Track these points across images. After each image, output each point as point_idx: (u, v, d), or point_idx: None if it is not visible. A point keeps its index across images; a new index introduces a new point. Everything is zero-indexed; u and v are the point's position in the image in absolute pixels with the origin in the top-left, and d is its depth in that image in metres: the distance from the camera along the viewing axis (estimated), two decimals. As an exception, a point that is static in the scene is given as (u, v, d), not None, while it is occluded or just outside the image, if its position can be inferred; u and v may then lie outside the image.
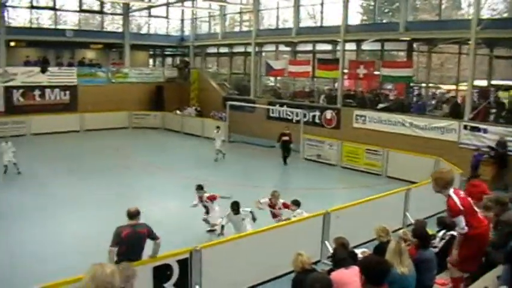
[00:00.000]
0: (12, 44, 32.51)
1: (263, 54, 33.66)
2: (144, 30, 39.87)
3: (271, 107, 29.34)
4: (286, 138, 23.48)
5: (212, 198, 13.41)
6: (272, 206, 12.74)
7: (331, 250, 9.72)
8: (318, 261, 10.90)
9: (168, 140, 28.59)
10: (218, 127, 25.00)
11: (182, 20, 39.94)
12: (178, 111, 34.01)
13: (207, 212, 13.57)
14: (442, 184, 6.82)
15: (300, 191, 18.01)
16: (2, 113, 30.38)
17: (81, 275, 6.78)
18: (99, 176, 20.14)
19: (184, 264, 8.87)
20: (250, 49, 32.90)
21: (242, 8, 35.03)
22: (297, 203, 12.20)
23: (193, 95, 36.07)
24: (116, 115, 32.45)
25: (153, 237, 8.70)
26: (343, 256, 6.76)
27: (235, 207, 11.99)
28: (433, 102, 25.26)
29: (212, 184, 16.13)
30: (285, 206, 12.53)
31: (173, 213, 15.60)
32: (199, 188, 13.51)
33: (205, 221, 13.56)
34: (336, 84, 27.72)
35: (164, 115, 33.86)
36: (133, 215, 8.71)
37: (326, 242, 11.16)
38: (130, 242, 8.39)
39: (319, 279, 5.25)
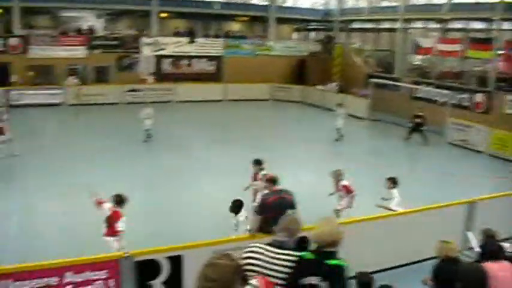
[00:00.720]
0: (163, 15, 34.04)
1: (410, 31, 32.37)
2: (289, 4, 39.88)
3: (416, 87, 28.18)
4: (419, 120, 22.63)
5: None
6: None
7: (473, 242, 9.13)
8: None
9: (308, 114, 28.52)
10: (340, 104, 23.71)
11: (328, -6, 39.50)
12: (320, 86, 33.74)
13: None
14: None
15: (441, 176, 17.32)
16: (153, 80, 32.10)
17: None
18: (239, 144, 20.58)
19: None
20: (397, 25, 31.84)
21: (391, -18, 33.94)
22: (394, 181, 11.24)
23: (336, 71, 35.60)
24: (259, 87, 32.95)
25: (293, 207, 8.33)
26: (493, 248, 6.30)
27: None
28: None
29: (344, 161, 15.83)
30: (346, 189, 11.34)
31: (308, 185, 15.45)
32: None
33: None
34: (489, 66, 26.03)
35: (305, 89, 33.77)
36: (274, 180, 8.87)
37: (469, 232, 10.51)
38: (276, 209, 7.69)
39: (473, 270, 4.87)
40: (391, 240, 9.64)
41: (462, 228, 10.58)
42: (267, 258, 4.83)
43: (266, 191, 8.98)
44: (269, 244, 5.01)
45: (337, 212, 11.49)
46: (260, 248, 4.95)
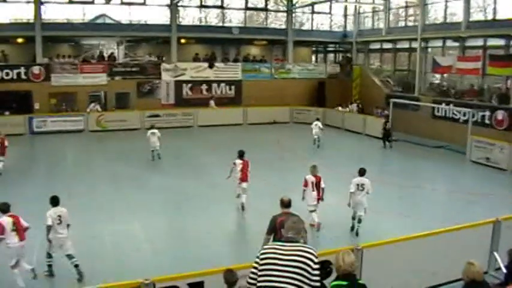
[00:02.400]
0: (182, 41, 34.46)
1: (429, 50, 32.31)
2: (306, 27, 40.10)
3: (436, 106, 28.01)
4: (386, 129, 25.84)
5: None
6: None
7: (500, 262, 8.99)
8: (485, 272, 10.15)
9: (329, 136, 28.38)
10: (318, 118, 26.54)
11: (345, 16, 39.70)
12: (339, 108, 33.73)
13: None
14: None
15: (464, 195, 17.12)
16: (173, 105, 32.37)
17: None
18: (258, 167, 20.55)
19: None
20: (415, 45, 31.83)
21: (407, 2, 33.93)
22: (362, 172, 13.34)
23: (355, 92, 35.63)
24: (278, 110, 33.02)
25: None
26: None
27: None
28: None
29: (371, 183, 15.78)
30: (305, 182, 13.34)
31: (329, 209, 15.41)
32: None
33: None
34: (509, 83, 25.80)
35: (325, 111, 33.74)
36: (287, 204, 9.15)
37: (495, 252, 10.35)
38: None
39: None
40: (417, 262, 9.52)
41: (489, 249, 10.44)
42: (283, 251, 5.37)
43: None
44: (281, 242, 5.64)
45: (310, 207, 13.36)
46: (275, 245, 5.64)
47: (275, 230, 8.69)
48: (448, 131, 24.93)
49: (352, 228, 13.34)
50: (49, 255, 10.34)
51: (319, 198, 13.40)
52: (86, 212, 14.19)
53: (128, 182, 18.39)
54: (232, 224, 14.25)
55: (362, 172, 13.40)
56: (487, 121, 25.12)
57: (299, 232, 5.66)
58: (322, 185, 13.41)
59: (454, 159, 22.83)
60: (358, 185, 13.23)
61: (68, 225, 10.41)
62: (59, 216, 10.23)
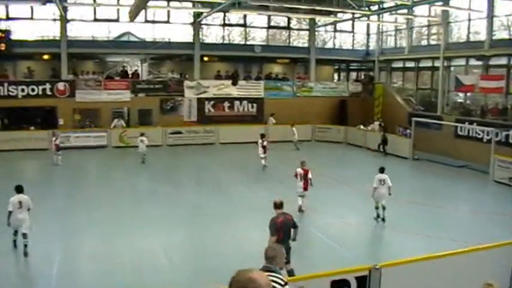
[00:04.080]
0: (205, 58, 34.78)
1: (452, 68, 32.13)
2: (329, 45, 40.20)
3: (459, 125, 27.80)
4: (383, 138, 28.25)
5: None
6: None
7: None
8: (506, 294, 10.02)
9: (350, 154, 28.32)
10: (142, 133, 26.20)
11: (368, 34, 39.66)
12: (362, 126, 33.63)
13: None
14: None
15: (488, 216, 16.92)
16: (195, 122, 32.58)
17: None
18: (278, 184, 20.60)
19: (362, 281, 8.63)
20: (438, 63, 31.68)
21: (430, 20, 33.86)
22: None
23: (378, 110, 35.55)
24: (300, 128, 33.01)
25: (295, 225, 10.48)
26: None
27: None
28: None
29: (391, 200, 15.74)
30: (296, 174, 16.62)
31: (350, 227, 15.38)
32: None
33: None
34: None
35: (347, 129, 33.69)
36: (280, 205, 10.48)
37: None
38: (284, 228, 10.09)
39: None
40: (436, 282, 9.41)
41: (510, 270, 10.31)
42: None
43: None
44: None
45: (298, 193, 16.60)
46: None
47: (278, 230, 9.96)
48: (471, 150, 24.70)
49: (378, 216, 15.64)
50: (15, 233, 12.41)
51: (305, 188, 16.50)
52: (104, 226, 14.37)
53: (147, 197, 18.62)
54: (251, 240, 14.22)
55: (382, 170, 16.24)
56: (511, 140, 24.85)
57: (274, 259, 6.36)
58: (310, 175, 16.59)
59: (476, 179, 22.60)
60: (380, 180, 15.77)
61: (29, 209, 12.41)
62: (20, 202, 12.26)
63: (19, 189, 12.57)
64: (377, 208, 15.72)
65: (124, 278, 10.95)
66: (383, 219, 15.39)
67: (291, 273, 9.97)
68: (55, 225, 14.65)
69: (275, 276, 5.96)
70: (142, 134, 25.81)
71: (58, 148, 24.26)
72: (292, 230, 10.40)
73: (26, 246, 12.07)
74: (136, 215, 15.84)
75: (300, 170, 16.55)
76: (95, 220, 15.13)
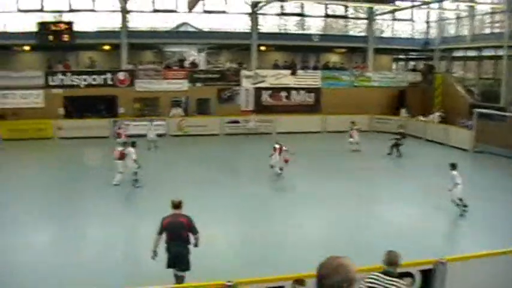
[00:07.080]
0: (262, 48, 34.78)
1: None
2: (387, 34, 39.46)
3: (524, 116, 26.83)
4: (399, 137, 25.63)
5: None
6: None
7: None
8: None
9: (408, 146, 27.78)
10: (152, 119, 27.87)
11: (427, 23, 38.75)
12: (421, 117, 32.93)
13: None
14: None
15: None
16: (252, 111, 32.67)
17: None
18: (340, 176, 20.47)
19: (427, 275, 8.48)
20: (501, 52, 30.67)
21: (493, 7, 32.84)
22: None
23: (437, 101, 34.71)
24: (357, 118, 32.55)
25: (192, 231, 9.52)
26: None
27: None
28: None
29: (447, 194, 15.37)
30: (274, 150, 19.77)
31: (412, 220, 15.10)
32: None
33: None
34: None
35: (406, 120, 33.00)
36: (176, 205, 9.63)
37: None
38: (170, 229, 9.41)
39: None
40: (503, 278, 9.18)
41: None
42: (382, 282, 6.47)
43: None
44: (382, 273, 6.60)
45: (271, 166, 19.82)
46: (377, 275, 6.57)
47: (162, 230, 9.43)
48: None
49: (465, 206, 15.07)
50: None
51: (286, 160, 19.43)
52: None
53: (208, 185, 18.73)
54: (314, 230, 14.20)
55: (454, 166, 15.57)
56: None
57: (397, 264, 6.68)
58: (285, 148, 19.59)
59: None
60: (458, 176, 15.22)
61: None
62: None
63: None
64: (458, 205, 15.08)
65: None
66: (465, 206, 14.98)
67: (180, 279, 9.55)
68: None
69: (398, 282, 6.43)
70: (151, 120, 27.65)
71: (121, 136, 24.73)
72: (189, 235, 9.56)
73: None
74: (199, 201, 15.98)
75: (276, 146, 19.80)
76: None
